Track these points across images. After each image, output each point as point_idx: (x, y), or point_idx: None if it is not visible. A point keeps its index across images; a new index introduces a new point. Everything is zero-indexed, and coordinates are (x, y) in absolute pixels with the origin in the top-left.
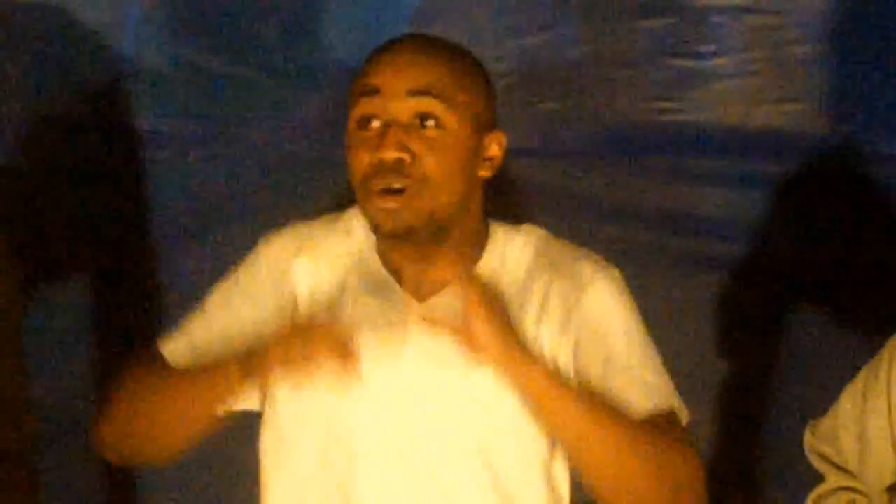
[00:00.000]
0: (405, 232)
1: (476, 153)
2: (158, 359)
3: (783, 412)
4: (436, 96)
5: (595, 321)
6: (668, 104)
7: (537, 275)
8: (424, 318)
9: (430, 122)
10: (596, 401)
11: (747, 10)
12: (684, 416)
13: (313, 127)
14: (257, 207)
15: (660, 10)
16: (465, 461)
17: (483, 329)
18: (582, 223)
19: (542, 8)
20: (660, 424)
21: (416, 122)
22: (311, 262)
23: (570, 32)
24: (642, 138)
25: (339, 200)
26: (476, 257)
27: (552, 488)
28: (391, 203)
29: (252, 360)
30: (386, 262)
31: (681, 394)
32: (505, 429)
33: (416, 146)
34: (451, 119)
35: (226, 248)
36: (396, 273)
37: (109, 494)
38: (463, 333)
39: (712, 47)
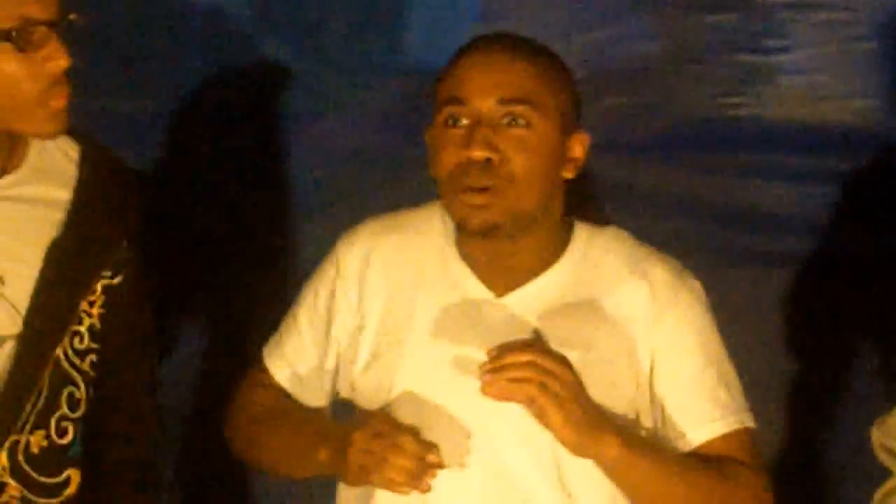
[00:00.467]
0: (491, 229)
1: (561, 154)
2: (268, 379)
3: (852, 409)
4: (527, 102)
5: (675, 337)
6: (735, 100)
7: (619, 278)
8: (489, 385)
9: (521, 122)
10: (668, 461)
11: (814, 5)
12: (753, 426)
13: (381, 122)
14: (327, 202)
15: (727, 5)
16: (536, 454)
17: (555, 418)
18: (649, 218)
19: (610, 3)
20: (732, 445)
21: (504, 122)
22: (389, 259)
23: (638, 27)
24: (709, 134)
25: (408, 196)
26: (558, 254)
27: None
28: (478, 200)
29: (338, 453)
30: (465, 258)
31: (748, 391)
32: None
33: (504, 146)
34: (540, 121)
35: (299, 245)
36: (475, 268)
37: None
38: (536, 411)
39: (779, 43)
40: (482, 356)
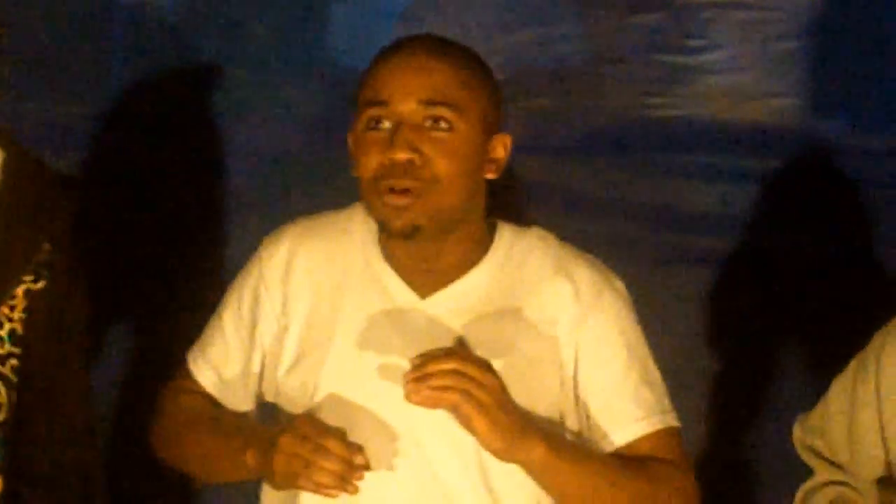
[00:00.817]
0: (413, 230)
1: (483, 155)
2: (193, 384)
3: (772, 407)
4: (447, 104)
5: (598, 337)
6: (657, 100)
7: (543, 279)
8: (413, 393)
9: (442, 125)
10: (594, 463)
11: (736, 5)
12: (677, 425)
13: (303, 124)
14: (251, 204)
15: (650, 5)
16: (461, 456)
17: (480, 425)
18: (572, 219)
19: (532, 4)
20: (656, 445)
21: (426, 124)
22: (313, 261)
23: (561, 28)
24: (632, 134)
25: (331, 198)
26: (481, 255)
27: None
28: (400, 201)
29: (264, 456)
30: (388, 259)
31: (673, 390)
32: None
33: (426, 148)
34: (461, 123)
35: (222, 246)
36: (399, 270)
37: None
38: (461, 418)
39: (701, 43)
40: (406, 358)
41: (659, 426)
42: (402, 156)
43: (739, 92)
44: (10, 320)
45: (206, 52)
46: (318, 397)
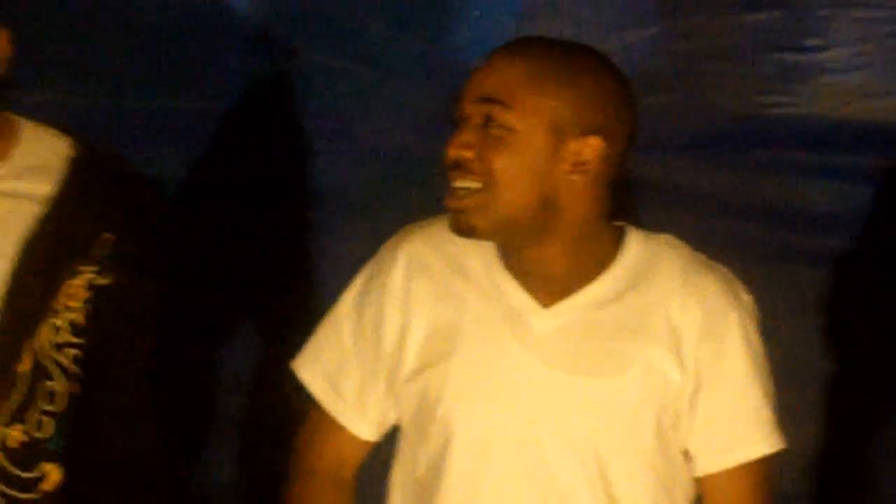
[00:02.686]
0: (469, 231)
1: (553, 155)
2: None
3: (891, 408)
4: (500, 102)
5: (724, 354)
6: (773, 98)
7: (671, 290)
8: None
9: (496, 123)
10: None
11: (854, 3)
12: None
13: (423, 122)
14: (369, 203)
15: (765, 3)
16: (582, 464)
17: None
18: (688, 217)
19: (648, 2)
20: (760, 469)
21: (482, 122)
22: (434, 269)
23: (676, 27)
24: (748, 132)
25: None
26: (607, 262)
27: (667, 494)
28: (453, 202)
29: None
30: (507, 266)
31: (786, 389)
32: (621, 436)
33: (481, 146)
34: (517, 122)
35: (342, 245)
36: (518, 277)
37: None
38: None
39: (819, 41)
40: (527, 367)
41: (776, 447)
42: (451, 153)
43: (856, 90)
44: (71, 310)
45: (323, 50)
46: (441, 405)
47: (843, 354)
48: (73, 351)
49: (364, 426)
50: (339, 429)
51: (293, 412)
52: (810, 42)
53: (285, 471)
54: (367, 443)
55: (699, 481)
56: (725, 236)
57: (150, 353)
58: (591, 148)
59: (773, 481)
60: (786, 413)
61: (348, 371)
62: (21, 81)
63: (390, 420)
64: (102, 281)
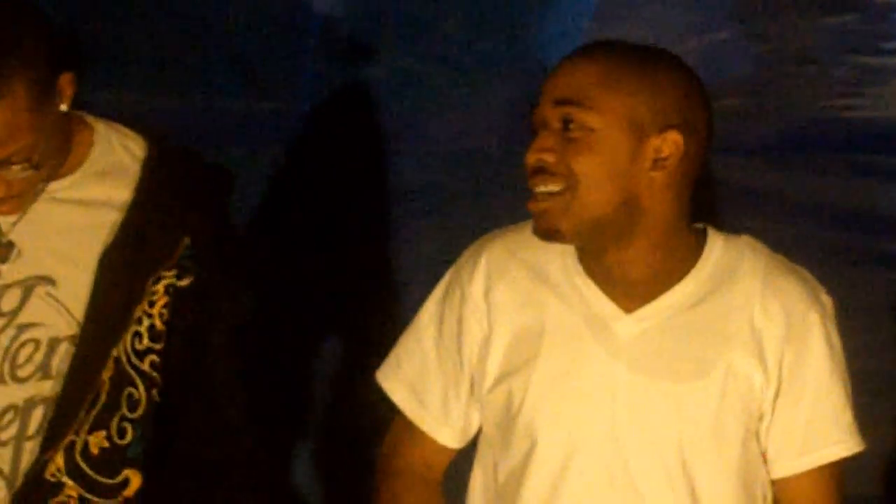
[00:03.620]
0: (553, 234)
1: (634, 153)
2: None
3: None
4: (577, 104)
5: (805, 358)
6: (850, 101)
7: (752, 293)
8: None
9: (573, 126)
10: None
11: None
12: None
13: (499, 122)
14: (442, 203)
15: (843, 6)
16: (665, 468)
17: None
18: (764, 220)
19: (726, 5)
20: (836, 472)
21: (561, 125)
22: (514, 277)
23: (753, 29)
24: (825, 135)
25: (526, 197)
26: (688, 265)
27: (749, 497)
28: (536, 206)
29: None
30: (587, 270)
31: (865, 393)
32: (705, 440)
33: (561, 149)
34: (595, 122)
35: (419, 246)
36: (599, 281)
37: None
38: None
39: (895, 44)
40: (611, 372)
41: (855, 449)
42: (531, 159)
43: None
44: (150, 316)
45: (398, 51)
46: (525, 412)
47: None
48: (152, 356)
49: (447, 434)
50: (423, 436)
51: (374, 417)
52: (888, 45)
53: (365, 476)
54: (452, 449)
55: (776, 483)
56: (802, 239)
57: (239, 353)
58: (671, 143)
59: (849, 484)
60: (862, 417)
61: (431, 380)
62: (98, 81)
63: (474, 427)
64: (182, 283)
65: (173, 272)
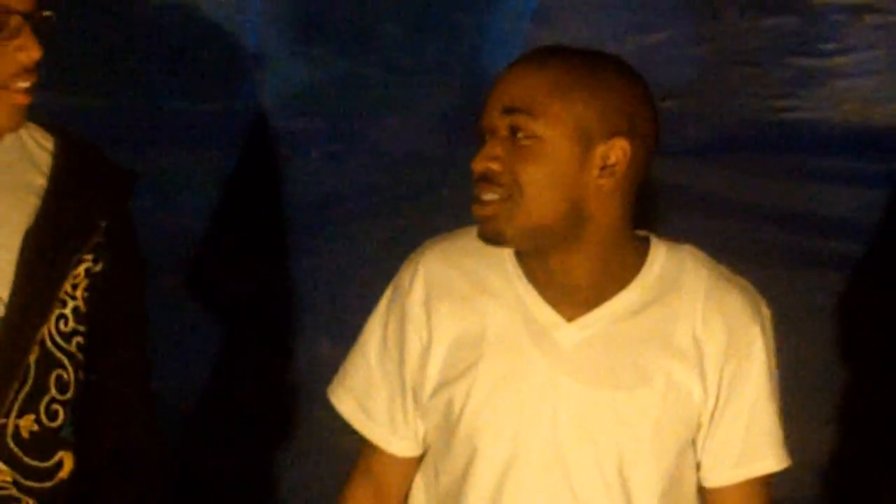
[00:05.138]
0: (497, 239)
1: (581, 161)
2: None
3: None
4: (525, 112)
5: (745, 370)
6: (788, 102)
7: (694, 303)
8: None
9: (521, 134)
10: None
11: (869, 8)
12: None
13: (437, 124)
14: (382, 205)
15: (781, 8)
16: (603, 476)
17: None
18: (702, 221)
19: (665, 5)
20: (766, 485)
21: (509, 133)
22: (455, 285)
23: (691, 30)
24: (763, 136)
25: (464, 199)
26: (631, 273)
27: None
28: (482, 211)
29: None
30: (528, 277)
31: (801, 394)
32: (643, 448)
33: (508, 157)
34: (543, 130)
35: (350, 246)
36: (540, 289)
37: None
38: None
39: (834, 46)
40: (552, 379)
41: (785, 464)
42: (478, 167)
43: (871, 94)
44: (73, 298)
45: (338, 53)
46: (466, 419)
47: (858, 359)
48: (78, 338)
49: (397, 445)
50: (375, 448)
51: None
52: (825, 47)
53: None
54: (406, 459)
55: (707, 492)
56: (741, 240)
57: (145, 339)
58: (618, 150)
59: (779, 487)
60: (799, 418)
61: (376, 393)
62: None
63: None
64: (96, 268)
65: (90, 257)
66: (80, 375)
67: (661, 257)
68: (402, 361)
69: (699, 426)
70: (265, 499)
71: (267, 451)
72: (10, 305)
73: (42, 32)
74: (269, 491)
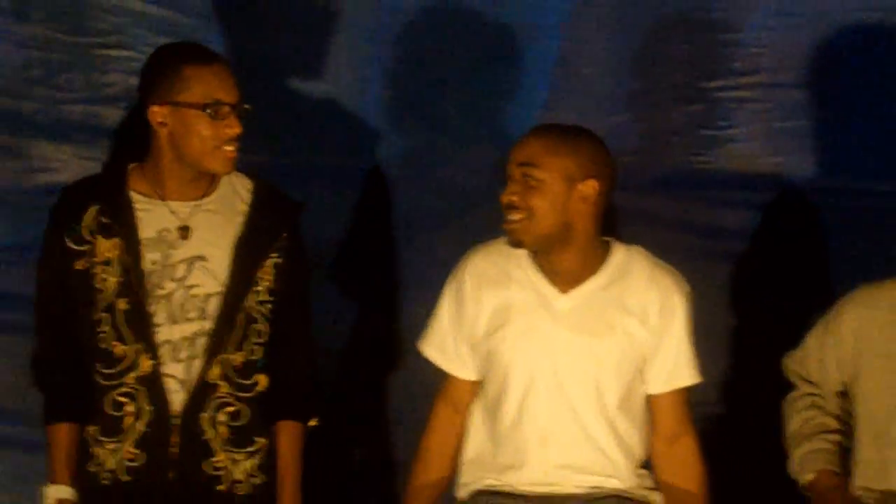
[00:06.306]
0: (520, 243)
1: (568, 195)
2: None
3: (774, 349)
4: (531, 165)
5: (671, 324)
6: (701, 158)
7: (640, 283)
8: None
9: (529, 178)
10: None
11: (749, 99)
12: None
13: (483, 173)
14: (448, 221)
15: (695, 98)
16: (587, 392)
17: None
18: (645, 232)
19: (620, 98)
20: (685, 394)
21: (521, 178)
22: (491, 274)
23: (640, 113)
24: (685, 179)
25: (501, 219)
26: (600, 264)
27: (634, 407)
28: (509, 226)
29: None
30: (539, 268)
31: (706, 339)
32: (611, 375)
33: (522, 192)
34: (543, 176)
35: (433, 250)
36: (546, 275)
37: None
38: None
39: (728, 122)
40: (554, 331)
41: (698, 380)
42: (506, 198)
43: (750, 153)
44: (266, 281)
45: (409, 127)
46: (501, 357)
47: (740, 316)
48: (269, 305)
49: (462, 371)
50: (449, 375)
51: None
52: (723, 123)
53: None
54: (468, 381)
55: (650, 398)
56: (670, 243)
57: (309, 306)
58: (590, 187)
59: (698, 395)
60: (704, 354)
61: (449, 341)
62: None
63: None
64: (280, 262)
65: (276, 255)
66: (270, 329)
67: (620, 254)
68: (461, 323)
69: (644, 358)
70: (375, 413)
71: (380, 382)
72: (227, 286)
73: (242, 115)
74: (379, 407)
